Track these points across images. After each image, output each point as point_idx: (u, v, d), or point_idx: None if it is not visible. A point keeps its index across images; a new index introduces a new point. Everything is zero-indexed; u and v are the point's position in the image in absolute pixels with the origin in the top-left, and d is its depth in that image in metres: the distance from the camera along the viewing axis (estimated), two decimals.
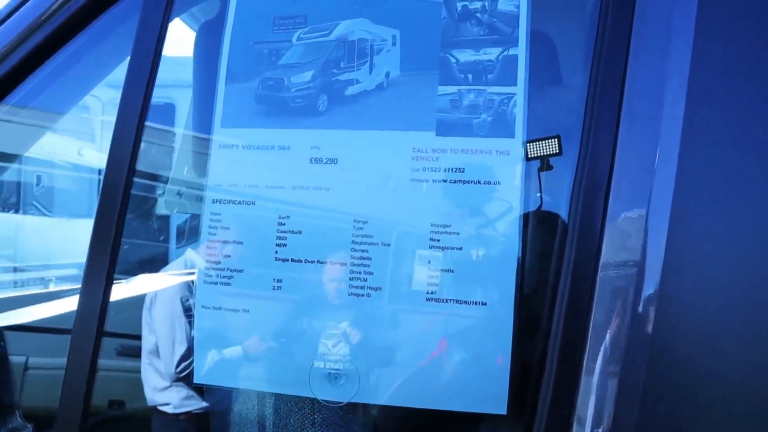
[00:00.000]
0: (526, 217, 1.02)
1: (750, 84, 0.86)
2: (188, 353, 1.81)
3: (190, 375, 1.79)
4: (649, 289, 0.82)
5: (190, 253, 1.69)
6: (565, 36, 1.15)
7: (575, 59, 1.10)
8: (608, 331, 0.85)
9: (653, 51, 0.90)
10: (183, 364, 1.83)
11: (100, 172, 4.19)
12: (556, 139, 1.04)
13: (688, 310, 0.83)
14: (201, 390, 1.85)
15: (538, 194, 1.08)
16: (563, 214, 1.00)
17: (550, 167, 1.05)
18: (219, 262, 1.10)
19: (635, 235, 0.85)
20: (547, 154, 1.04)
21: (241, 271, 1.10)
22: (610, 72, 0.91)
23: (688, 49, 0.86)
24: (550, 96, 1.12)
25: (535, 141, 1.04)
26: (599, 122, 0.91)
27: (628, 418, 0.81)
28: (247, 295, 1.10)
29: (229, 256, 1.10)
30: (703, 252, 0.83)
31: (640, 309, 0.82)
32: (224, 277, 1.10)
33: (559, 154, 1.04)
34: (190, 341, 1.77)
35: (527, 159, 1.03)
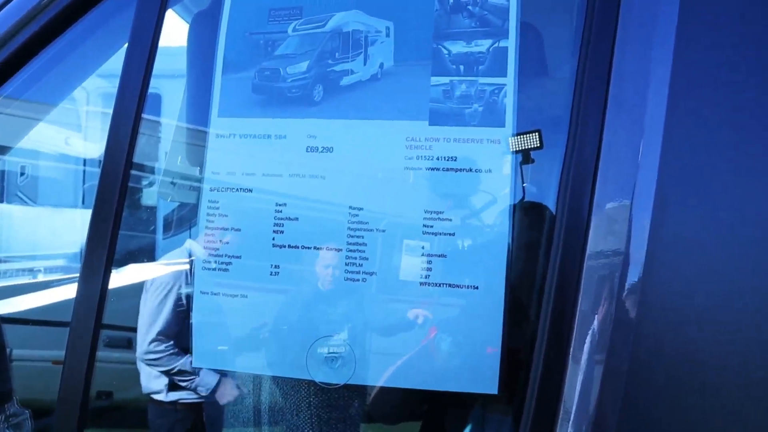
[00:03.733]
0: (516, 203, 1.05)
1: (733, 75, 0.88)
2: (160, 339, 1.81)
3: (158, 362, 1.81)
4: (633, 276, 0.85)
5: (189, 243, 1.70)
6: (554, 28, 1.18)
7: (564, 51, 1.13)
8: (594, 317, 0.88)
9: (638, 42, 0.93)
10: (151, 347, 1.82)
11: (85, 162, 4.16)
12: (537, 134, 1.07)
13: (671, 297, 0.85)
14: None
15: (524, 185, 1.11)
16: (551, 201, 1.03)
17: (531, 161, 1.08)
18: (217, 249, 1.13)
19: (620, 223, 0.87)
20: (528, 148, 1.08)
21: (239, 257, 1.12)
22: (597, 63, 0.94)
23: (671, 41, 0.89)
24: (539, 87, 1.15)
25: (517, 135, 1.07)
26: (586, 113, 0.94)
27: (612, 405, 0.84)
28: (245, 280, 1.12)
29: (227, 242, 1.12)
30: (686, 240, 0.85)
31: (624, 296, 0.85)
32: (222, 263, 1.12)
33: (540, 147, 1.07)
34: (167, 329, 1.78)
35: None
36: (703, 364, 0.84)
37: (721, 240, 0.86)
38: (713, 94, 0.88)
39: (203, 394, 1.84)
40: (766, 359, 0.83)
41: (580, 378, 0.87)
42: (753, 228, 0.85)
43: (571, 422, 0.87)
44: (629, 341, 0.84)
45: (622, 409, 0.84)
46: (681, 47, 0.88)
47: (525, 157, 1.08)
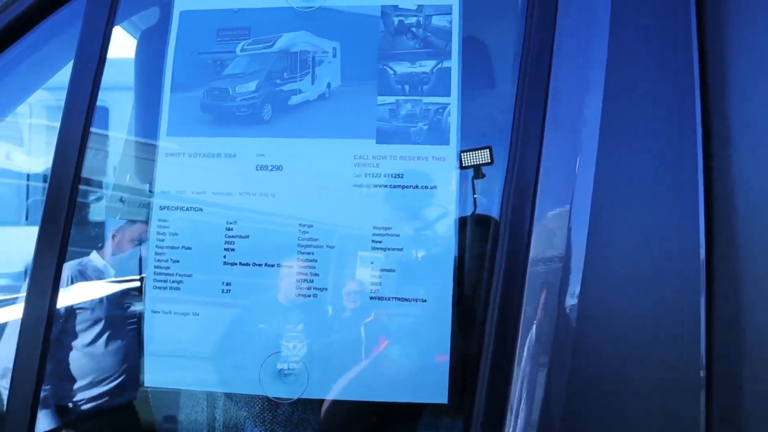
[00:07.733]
0: (461, 218, 1.09)
1: (660, 93, 0.94)
2: None
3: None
4: (573, 283, 0.89)
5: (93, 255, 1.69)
6: (496, 49, 1.23)
7: (506, 70, 1.18)
8: (537, 323, 0.92)
9: (572, 63, 0.98)
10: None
11: (28, 177, 4.05)
12: (488, 150, 1.11)
13: (608, 302, 0.89)
14: None
15: (474, 196, 1.15)
16: (495, 214, 1.07)
17: (482, 175, 1.13)
18: (168, 268, 1.13)
19: (560, 232, 0.92)
20: (480, 164, 1.12)
21: (190, 275, 1.13)
22: (535, 83, 0.99)
23: (603, 62, 0.94)
24: (483, 104, 1.20)
25: (469, 151, 1.11)
26: (526, 129, 0.98)
27: (556, 405, 0.88)
28: (196, 298, 1.12)
29: (177, 261, 1.13)
30: (621, 247, 0.90)
31: (565, 300, 0.89)
32: (174, 281, 1.13)
33: (491, 163, 1.11)
34: None
35: (461, 168, 1.11)
36: (640, 365, 0.88)
37: (653, 245, 0.90)
38: (645, 108, 0.94)
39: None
40: (696, 359, 0.88)
41: (526, 380, 0.91)
42: (679, 235, 0.90)
43: (518, 421, 0.91)
44: (570, 343, 0.88)
45: (566, 407, 0.88)
46: (612, 67, 0.94)
47: (476, 172, 1.12)
